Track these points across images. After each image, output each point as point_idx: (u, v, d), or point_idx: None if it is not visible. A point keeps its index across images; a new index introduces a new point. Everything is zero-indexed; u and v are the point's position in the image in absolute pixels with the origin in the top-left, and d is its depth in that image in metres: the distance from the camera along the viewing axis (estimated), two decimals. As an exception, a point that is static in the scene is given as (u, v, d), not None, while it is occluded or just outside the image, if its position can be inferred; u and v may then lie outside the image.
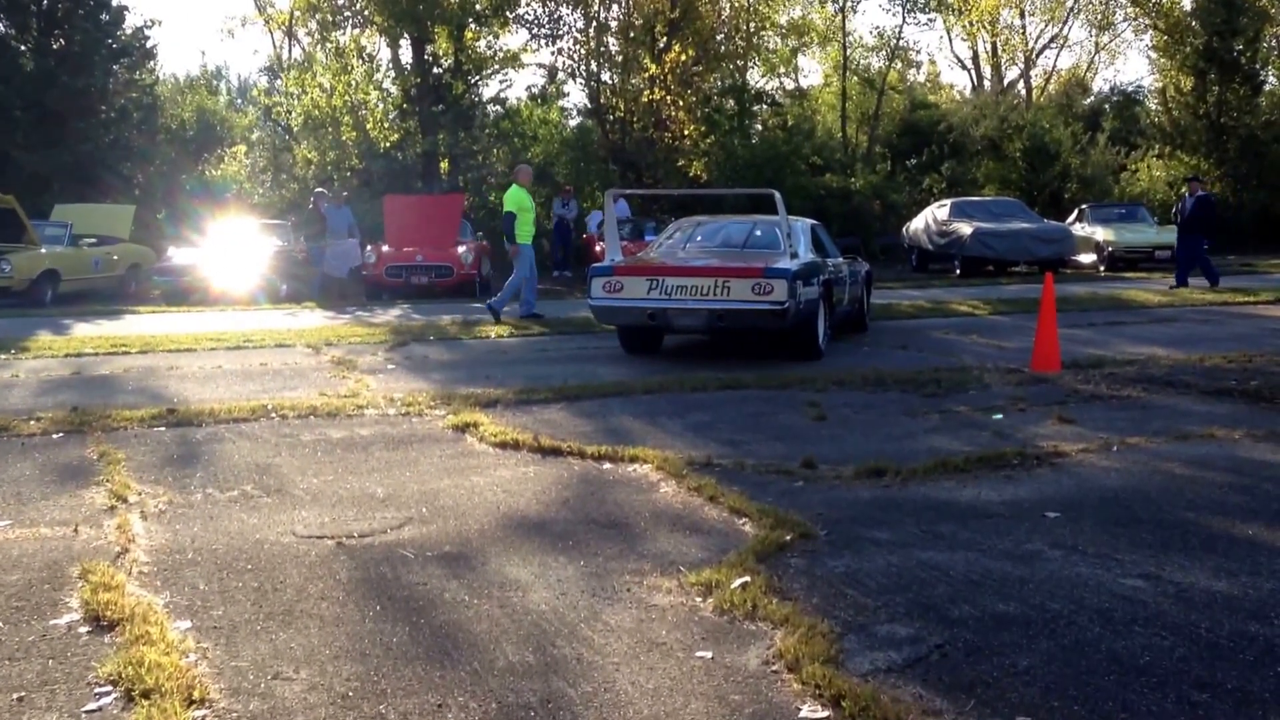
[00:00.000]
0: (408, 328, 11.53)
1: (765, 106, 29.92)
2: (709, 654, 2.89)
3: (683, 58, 25.26)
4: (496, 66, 25.76)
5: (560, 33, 25.77)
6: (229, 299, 15.63)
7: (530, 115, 28.14)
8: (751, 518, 4.11)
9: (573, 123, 29.20)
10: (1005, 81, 38.91)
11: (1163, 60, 29.74)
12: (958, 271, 20.41)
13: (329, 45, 25.36)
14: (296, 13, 26.33)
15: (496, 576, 3.54)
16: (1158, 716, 2.52)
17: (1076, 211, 23.08)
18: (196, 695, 2.64)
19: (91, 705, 2.63)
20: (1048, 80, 38.94)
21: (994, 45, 37.90)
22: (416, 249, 16.87)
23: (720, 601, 3.25)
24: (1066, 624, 3.07)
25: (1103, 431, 5.68)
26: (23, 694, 2.69)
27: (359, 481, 4.81)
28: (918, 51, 54.92)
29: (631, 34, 25.54)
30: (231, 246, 16.90)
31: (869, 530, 3.99)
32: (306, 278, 16.70)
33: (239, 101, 40.98)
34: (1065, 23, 37.64)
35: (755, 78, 32.15)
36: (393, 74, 25.56)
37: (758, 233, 9.67)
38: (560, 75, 27.63)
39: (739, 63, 28.83)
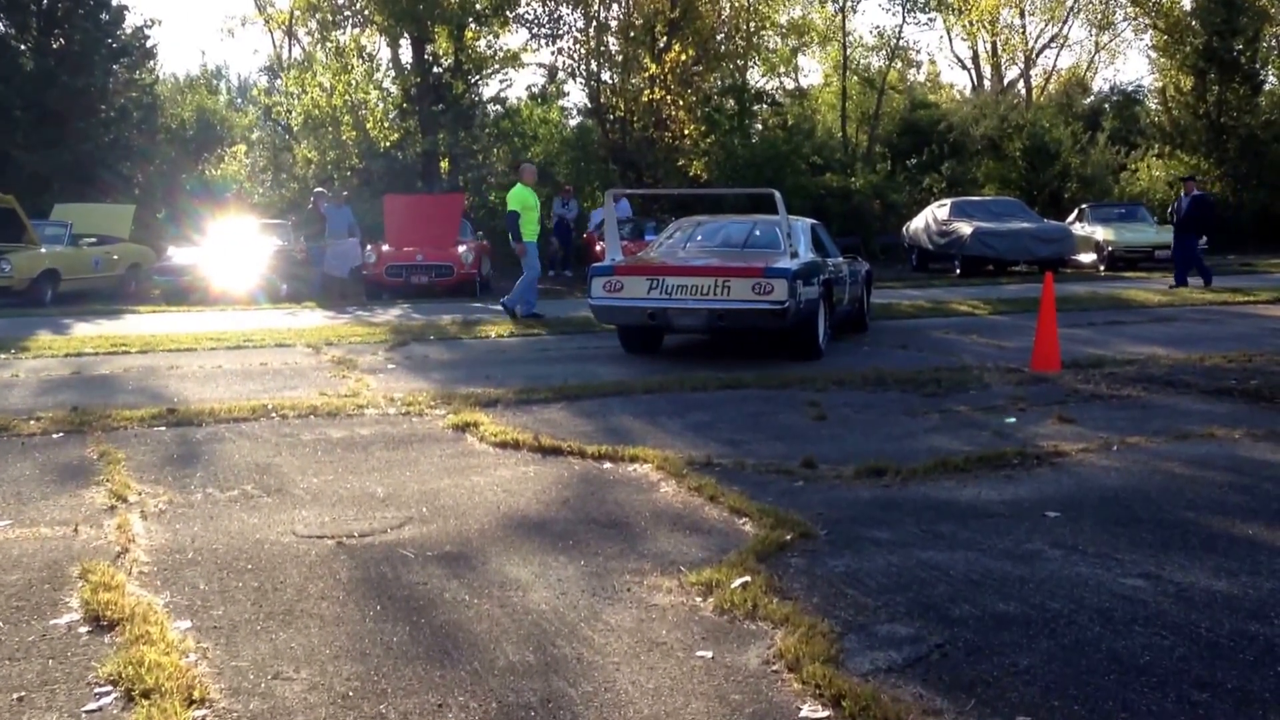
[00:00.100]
0: (408, 327, 11.54)
1: (765, 106, 29.92)
2: (709, 654, 2.89)
3: (683, 57, 25.27)
4: (496, 66, 25.77)
5: (560, 32, 25.82)
6: (229, 299, 15.63)
7: (530, 115, 28.13)
8: (752, 517, 4.11)
9: (573, 122, 29.21)
10: (1005, 81, 38.97)
11: (1162, 60, 29.74)
12: (958, 271, 20.41)
13: (329, 45, 25.36)
14: (296, 12, 26.33)
15: (497, 576, 3.54)
16: (1158, 716, 2.52)
17: (1076, 211, 23.08)
18: (196, 695, 2.64)
19: (91, 705, 2.63)
20: (1048, 80, 38.97)
21: (994, 45, 37.94)
22: (417, 249, 16.86)
23: (720, 601, 3.25)
24: (1067, 623, 3.07)
25: (1103, 431, 5.68)
26: (23, 694, 2.69)
27: (359, 481, 4.81)
28: (918, 51, 55.07)
29: (631, 33, 25.54)
30: (231, 246, 16.90)
31: (869, 530, 3.99)
32: (307, 277, 16.71)
33: (239, 101, 41.00)
34: (1065, 22, 37.73)
35: (755, 77, 32.19)
36: (393, 73, 25.57)
37: (758, 232, 9.67)
38: (560, 75, 27.67)
39: (739, 62, 28.84)
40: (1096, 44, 39.21)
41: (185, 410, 6.40)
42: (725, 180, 24.28)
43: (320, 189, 18.49)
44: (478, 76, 25.63)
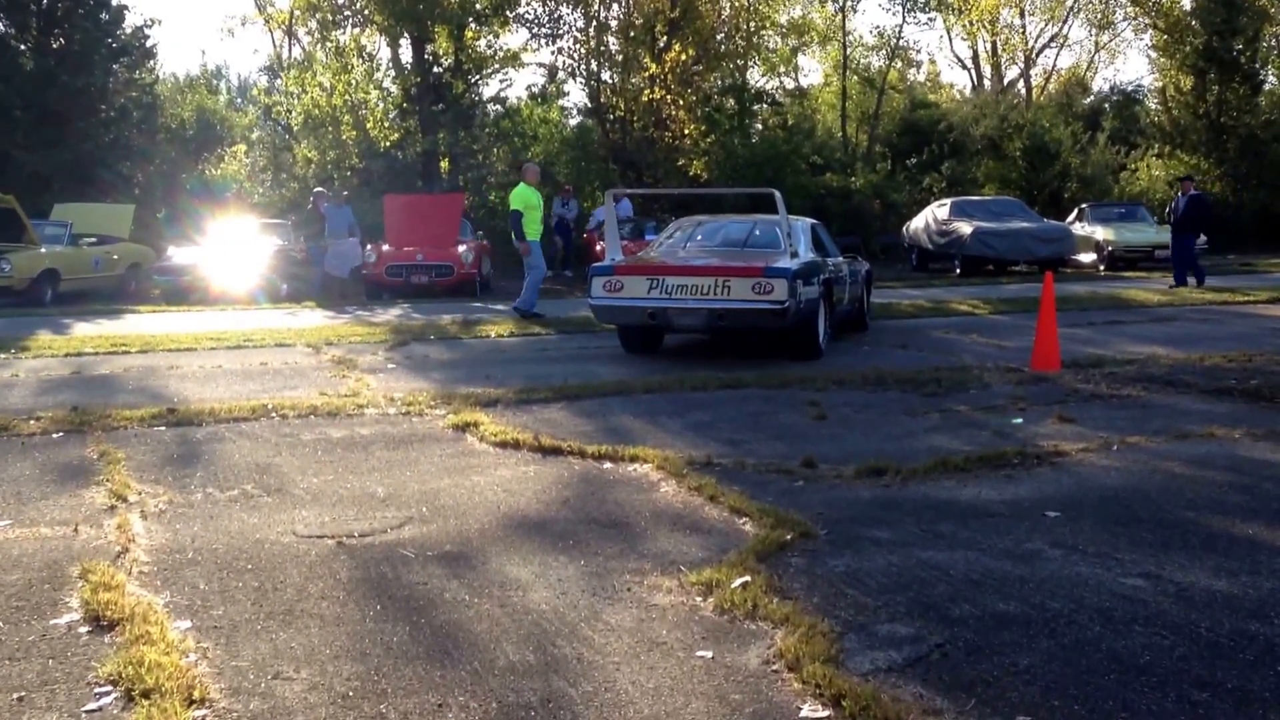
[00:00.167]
0: (408, 327, 11.54)
1: (765, 106, 29.91)
2: (709, 653, 2.89)
3: (683, 57, 25.27)
4: (496, 66, 25.77)
5: (560, 32, 25.83)
6: (229, 298, 15.63)
7: (530, 114, 28.14)
8: (752, 517, 4.11)
9: (573, 122, 29.22)
10: (1005, 81, 38.97)
11: (1162, 60, 29.74)
12: (958, 271, 20.41)
13: (329, 44, 25.37)
14: (296, 12, 26.34)
15: (497, 576, 3.54)
16: (1158, 716, 2.52)
17: (1076, 211, 23.08)
18: (196, 695, 2.64)
19: (91, 705, 2.63)
20: (1048, 80, 38.96)
21: (994, 45, 37.94)
22: (417, 248, 16.87)
23: (721, 601, 3.25)
24: (1067, 623, 3.07)
25: (1103, 431, 5.68)
26: (23, 694, 2.69)
27: (359, 481, 4.81)
28: (918, 51, 55.07)
29: (632, 33, 25.54)
30: (231, 246, 16.90)
31: (869, 530, 3.99)
32: (307, 277, 16.71)
33: (239, 101, 41.02)
34: (1065, 22, 37.73)
35: (755, 77, 32.19)
36: (393, 73, 25.58)
37: (758, 232, 9.67)
38: (560, 74, 27.67)
39: (739, 62, 28.83)
40: (1096, 44, 39.27)
41: (185, 410, 6.40)
42: (725, 180, 24.28)
43: (320, 189, 18.49)
44: (478, 76, 25.64)
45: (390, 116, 24.57)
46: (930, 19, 33.97)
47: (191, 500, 4.52)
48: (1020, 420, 6.03)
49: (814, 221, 10.58)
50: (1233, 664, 2.79)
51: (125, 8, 23.55)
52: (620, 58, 25.89)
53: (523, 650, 2.93)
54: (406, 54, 25.17)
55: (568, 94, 30.47)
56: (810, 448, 5.25)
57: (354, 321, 12.42)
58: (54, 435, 5.87)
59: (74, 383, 7.88)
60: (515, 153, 25.74)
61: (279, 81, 29.67)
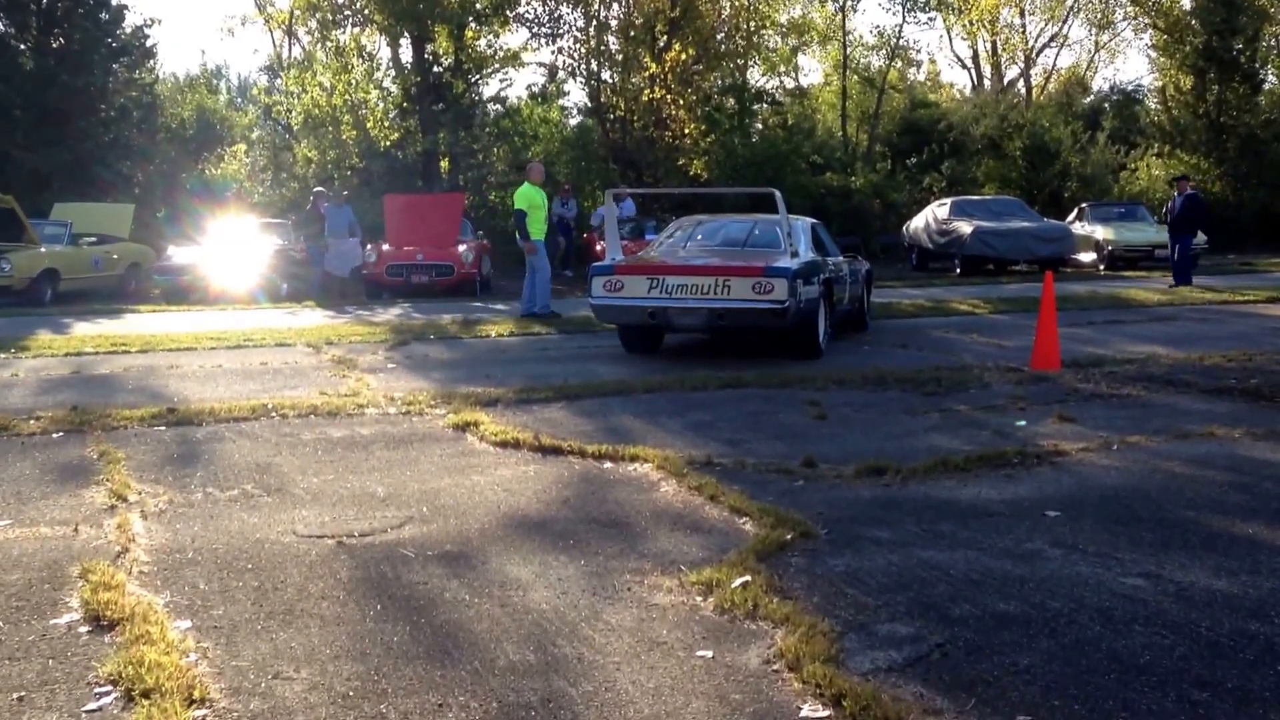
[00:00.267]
0: (408, 327, 11.54)
1: (765, 105, 29.90)
2: (709, 653, 2.89)
3: (683, 57, 25.26)
4: (497, 65, 25.77)
5: (560, 31, 25.80)
6: (229, 298, 15.63)
7: (530, 114, 28.13)
8: (752, 517, 4.11)
9: (573, 122, 29.21)
10: (1005, 80, 38.93)
11: (1162, 59, 29.73)
12: (958, 270, 20.40)
13: (329, 44, 25.36)
14: (296, 12, 26.31)
15: (497, 576, 3.54)
16: (1158, 715, 2.52)
17: (1076, 210, 23.07)
18: (197, 695, 2.64)
19: (91, 705, 2.63)
20: (1048, 79, 38.94)
21: (994, 44, 37.90)
22: (417, 248, 16.87)
23: (721, 601, 3.25)
24: (1067, 623, 3.07)
25: (1103, 430, 5.68)
26: (23, 694, 2.69)
27: (359, 480, 4.81)
28: (918, 50, 55.05)
29: (632, 33, 25.53)
30: (231, 245, 16.89)
31: (869, 529, 3.99)
32: (307, 277, 16.71)
33: (239, 100, 41.00)
34: (1065, 22, 37.69)
35: (755, 77, 32.16)
36: (393, 73, 25.57)
37: (758, 232, 9.67)
38: (560, 74, 27.65)
39: (739, 62, 28.81)
40: (1096, 43, 39.23)
41: (185, 410, 6.40)
42: (725, 180, 24.27)
43: (320, 188, 18.48)
44: (478, 76, 25.63)
45: (390, 116, 24.56)
46: (930, 19, 33.99)
47: (191, 500, 4.52)
48: (1023, 422, 6.03)
49: (814, 221, 10.58)
50: (1233, 663, 2.79)
51: (125, 7, 23.55)
52: (620, 57, 25.88)
53: (523, 650, 2.93)
54: (406, 54, 25.19)
55: (568, 94, 30.47)
56: (810, 447, 5.25)
57: (354, 321, 12.42)
58: (54, 435, 5.87)
59: (74, 382, 7.88)
60: (515, 152, 25.74)
61: (279, 81, 29.68)
